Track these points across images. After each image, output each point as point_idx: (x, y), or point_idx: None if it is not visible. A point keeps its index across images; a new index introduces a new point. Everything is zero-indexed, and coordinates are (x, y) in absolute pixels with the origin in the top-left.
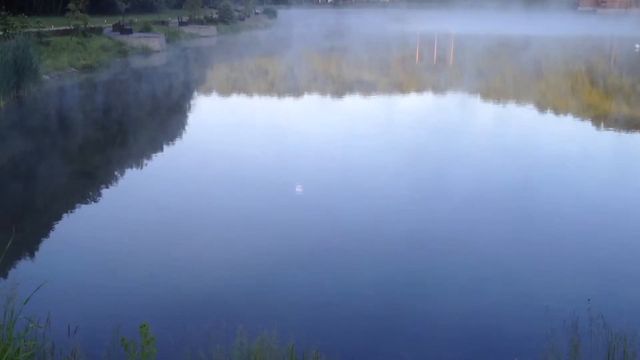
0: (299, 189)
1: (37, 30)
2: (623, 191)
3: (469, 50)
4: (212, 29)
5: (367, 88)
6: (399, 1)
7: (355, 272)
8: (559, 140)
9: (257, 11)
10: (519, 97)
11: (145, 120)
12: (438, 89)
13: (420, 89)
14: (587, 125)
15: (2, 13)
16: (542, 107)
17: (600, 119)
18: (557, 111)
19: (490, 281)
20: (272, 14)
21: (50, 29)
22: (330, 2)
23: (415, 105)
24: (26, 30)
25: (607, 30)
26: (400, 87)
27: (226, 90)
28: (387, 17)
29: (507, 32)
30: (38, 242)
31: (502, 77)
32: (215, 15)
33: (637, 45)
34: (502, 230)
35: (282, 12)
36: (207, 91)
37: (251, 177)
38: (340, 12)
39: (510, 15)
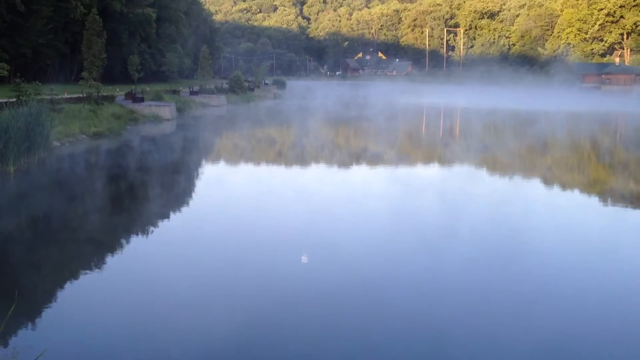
0: (304, 257)
1: (50, 97)
2: (624, 266)
3: (480, 123)
4: (222, 99)
5: (381, 161)
6: (407, 74)
7: (360, 337)
8: (562, 214)
9: (266, 82)
10: (525, 170)
11: (152, 188)
12: (453, 161)
13: (434, 161)
14: (595, 200)
15: (17, 80)
16: (548, 181)
17: (607, 194)
18: (564, 186)
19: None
20: (281, 85)
21: (63, 97)
22: (339, 74)
23: (432, 177)
24: (39, 97)
25: (612, 106)
26: (415, 160)
27: (234, 159)
28: (396, 89)
29: (514, 107)
30: (40, 309)
31: (510, 150)
32: (225, 85)
33: None
34: (502, 304)
35: (291, 83)
36: (215, 160)
37: (257, 243)
38: (348, 83)
39: (517, 90)
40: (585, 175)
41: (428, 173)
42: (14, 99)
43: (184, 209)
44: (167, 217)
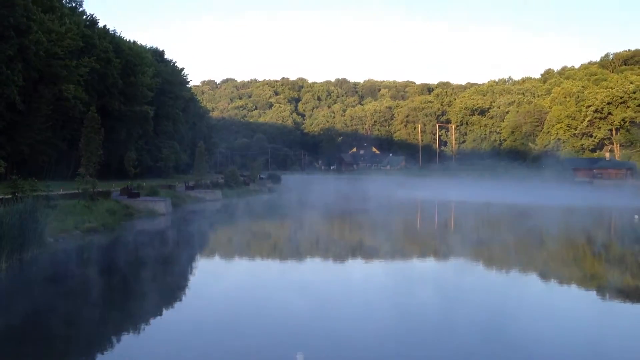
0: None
1: (45, 193)
2: None
3: (478, 218)
4: (217, 193)
5: (381, 256)
6: (401, 168)
7: None
8: (558, 310)
9: (261, 176)
10: (523, 266)
11: (143, 286)
12: (451, 256)
13: (436, 257)
14: (591, 296)
15: (13, 177)
16: (544, 277)
17: (603, 290)
18: (560, 281)
19: None
20: (276, 179)
21: (59, 193)
22: (333, 168)
23: (433, 272)
24: (35, 193)
25: (604, 201)
26: (416, 256)
27: (229, 255)
28: (392, 183)
29: (509, 201)
30: None
31: (509, 246)
32: (221, 180)
33: (637, 216)
34: None
35: (286, 178)
36: (209, 256)
37: (251, 341)
38: (344, 177)
39: (510, 184)
40: (582, 271)
41: (430, 269)
42: (9, 196)
43: (176, 307)
44: (159, 314)
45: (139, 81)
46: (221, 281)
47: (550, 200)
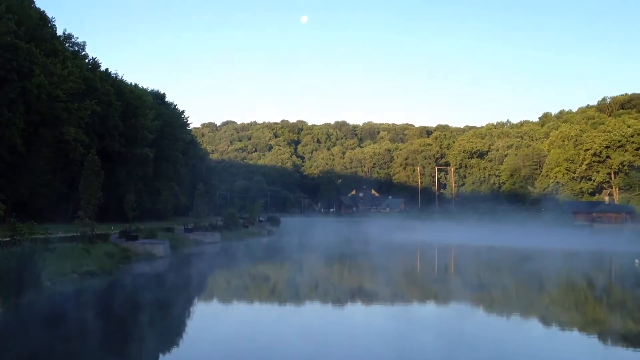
0: None
1: (44, 236)
2: None
3: (481, 262)
4: (216, 236)
5: (386, 302)
6: (400, 211)
7: None
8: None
9: (261, 219)
10: (518, 309)
11: (139, 329)
12: (454, 302)
13: (442, 303)
14: (595, 341)
15: (12, 220)
16: (548, 323)
17: (605, 335)
18: (562, 327)
19: None
20: (275, 222)
21: (57, 235)
22: (332, 211)
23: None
24: (33, 236)
25: (605, 244)
26: (421, 303)
27: (225, 299)
28: (392, 226)
29: (510, 245)
30: None
31: (509, 290)
32: (220, 222)
33: (637, 261)
34: None
35: (285, 220)
36: (207, 300)
37: None
38: (344, 220)
39: (510, 227)
40: (586, 316)
41: (434, 315)
42: (8, 239)
43: (173, 353)
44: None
45: (139, 124)
46: (219, 327)
47: (551, 244)
